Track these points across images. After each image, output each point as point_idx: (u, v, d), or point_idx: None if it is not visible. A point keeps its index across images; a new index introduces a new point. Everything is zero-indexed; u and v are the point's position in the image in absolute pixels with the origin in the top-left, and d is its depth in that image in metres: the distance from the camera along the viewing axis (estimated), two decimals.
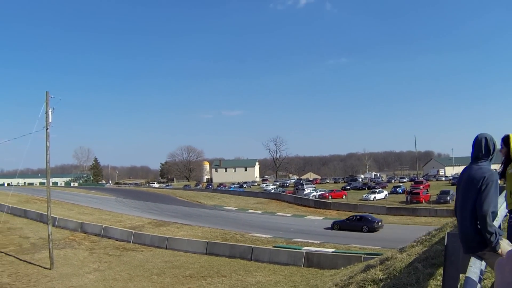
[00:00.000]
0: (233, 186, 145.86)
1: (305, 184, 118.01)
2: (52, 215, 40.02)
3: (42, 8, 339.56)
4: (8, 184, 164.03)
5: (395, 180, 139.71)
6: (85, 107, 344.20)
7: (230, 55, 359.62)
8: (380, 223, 56.63)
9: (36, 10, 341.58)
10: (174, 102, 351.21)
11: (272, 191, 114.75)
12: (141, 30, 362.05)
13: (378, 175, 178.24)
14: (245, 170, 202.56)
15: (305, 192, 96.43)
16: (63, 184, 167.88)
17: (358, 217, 58.47)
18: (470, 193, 5.52)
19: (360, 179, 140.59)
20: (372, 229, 55.13)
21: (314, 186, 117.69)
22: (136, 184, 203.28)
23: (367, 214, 62.20)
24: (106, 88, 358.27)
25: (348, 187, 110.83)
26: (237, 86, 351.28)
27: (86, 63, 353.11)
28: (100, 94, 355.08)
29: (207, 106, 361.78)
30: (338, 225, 57.68)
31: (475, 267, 5.21)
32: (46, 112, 36.16)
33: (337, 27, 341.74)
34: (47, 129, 36.20)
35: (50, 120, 36.17)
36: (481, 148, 5.70)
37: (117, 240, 46.74)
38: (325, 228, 58.27)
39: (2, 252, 41.33)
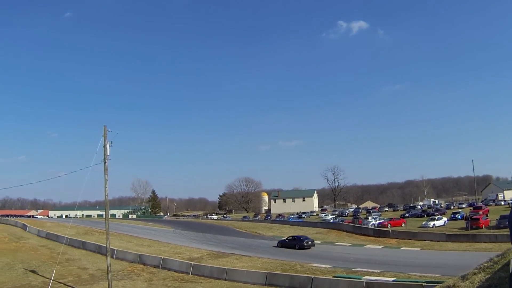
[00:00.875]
0: (292, 216, 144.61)
1: (373, 213, 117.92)
2: (110, 246, 39.82)
3: (108, 48, 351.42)
4: (67, 216, 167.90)
5: (454, 206, 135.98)
6: (143, 140, 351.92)
7: (285, 87, 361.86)
8: (310, 243, 67.86)
9: (103, 51, 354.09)
10: (232, 134, 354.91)
11: (331, 220, 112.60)
12: (199, 69, 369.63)
13: (437, 201, 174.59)
14: (304, 200, 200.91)
15: (371, 222, 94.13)
16: (121, 216, 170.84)
17: (293, 237, 70.82)
18: None
19: (419, 206, 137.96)
20: (302, 247, 66.32)
21: (380, 214, 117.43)
22: (194, 216, 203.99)
23: (300, 235, 73.01)
24: (164, 123, 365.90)
25: (407, 215, 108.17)
26: (294, 117, 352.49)
27: (146, 102, 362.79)
28: (158, 128, 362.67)
29: (265, 138, 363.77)
30: (281, 244, 70.28)
31: None
32: (104, 146, 36.30)
33: (390, 54, 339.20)
34: (105, 162, 36.31)
35: (108, 154, 36.33)
36: None
37: (176, 272, 46.11)
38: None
39: (61, 283, 41.33)
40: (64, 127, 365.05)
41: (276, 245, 70.69)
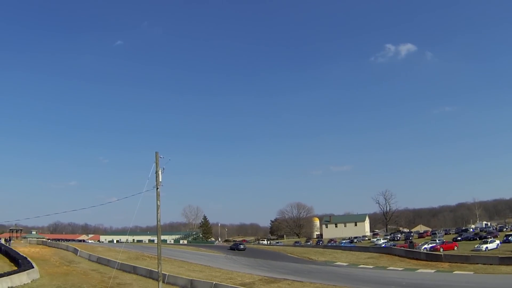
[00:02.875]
0: (344, 241, 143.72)
1: (438, 234, 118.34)
2: (162, 271, 40.35)
3: (157, 73, 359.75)
4: (117, 241, 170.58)
5: (507, 228, 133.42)
6: (194, 166, 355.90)
7: (336, 111, 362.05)
8: (242, 246, 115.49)
9: (152, 76, 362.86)
10: (282, 159, 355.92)
11: (383, 245, 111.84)
12: (246, 91, 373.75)
13: (489, 224, 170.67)
14: (355, 225, 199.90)
15: (423, 246, 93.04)
16: (172, 242, 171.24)
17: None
18: None
19: (471, 229, 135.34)
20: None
21: (443, 235, 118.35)
22: (245, 241, 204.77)
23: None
24: (215, 148, 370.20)
25: (459, 238, 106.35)
26: (345, 141, 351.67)
27: (196, 126, 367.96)
28: (209, 154, 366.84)
29: (316, 163, 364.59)
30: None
31: None
32: (156, 172, 36.60)
33: (439, 75, 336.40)
34: (157, 188, 36.56)
35: (160, 180, 36.56)
36: None
37: None
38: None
39: None
40: (115, 153, 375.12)
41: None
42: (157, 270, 39.96)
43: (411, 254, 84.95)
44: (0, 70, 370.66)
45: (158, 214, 37.29)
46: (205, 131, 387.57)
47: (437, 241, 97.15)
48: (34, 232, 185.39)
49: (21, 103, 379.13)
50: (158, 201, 36.91)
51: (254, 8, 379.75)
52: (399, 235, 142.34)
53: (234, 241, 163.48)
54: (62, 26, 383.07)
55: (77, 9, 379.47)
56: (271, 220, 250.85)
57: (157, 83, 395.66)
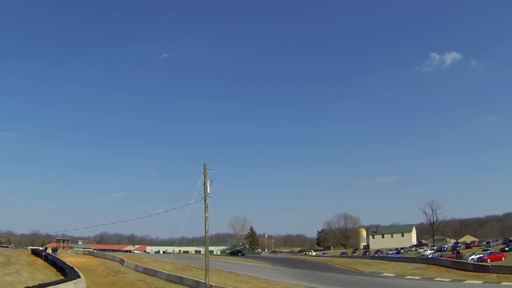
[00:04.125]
0: (390, 252, 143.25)
1: (492, 243, 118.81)
2: (209, 282, 40.58)
3: (202, 84, 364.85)
4: (164, 252, 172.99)
5: None
6: (241, 177, 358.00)
7: (381, 120, 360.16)
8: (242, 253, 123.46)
9: (197, 87, 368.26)
10: (329, 170, 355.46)
11: (430, 256, 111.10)
12: (292, 100, 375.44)
13: None
14: (402, 235, 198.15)
15: (470, 257, 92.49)
16: (219, 253, 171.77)
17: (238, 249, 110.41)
18: None
19: None
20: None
21: (496, 240, 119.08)
22: (292, 252, 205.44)
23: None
24: (262, 159, 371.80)
25: (506, 249, 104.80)
26: (391, 151, 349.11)
27: (242, 136, 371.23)
28: (256, 165, 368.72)
29: (362, 173, 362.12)
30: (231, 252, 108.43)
31: None
32: (205, 184, 36.82)
33: (484, 83, 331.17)
34: (205, 200, 36.81)
35: (208, 191, 36.77)
36: None
37: None
38: None
39: None
40: (161, 164, 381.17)
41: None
42: (203, 281, 40.52)
43: (458, 265, 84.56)
44: (54, 83, 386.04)
45: (206, 226, 37.67)
46: (251, 140, 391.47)
47: (490, 250, 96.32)
48: (80, 243, 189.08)
49: (71, 115, 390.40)
50: (206, 213, 37.36)
51: (299, 15, 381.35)
52: (446, 246, 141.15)
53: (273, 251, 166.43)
54: (109, 40, 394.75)
55: (123, 23, 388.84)
56: (318, 231, 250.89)
57: (202, 94, 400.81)
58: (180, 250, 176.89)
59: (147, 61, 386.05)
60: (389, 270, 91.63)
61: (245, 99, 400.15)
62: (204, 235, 38.57)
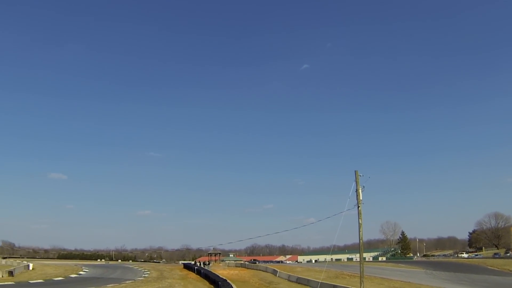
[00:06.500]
0: None
1: None
2: None
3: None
4: (315, 261, 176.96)
5: None
6: (391, 181, 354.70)
7: None
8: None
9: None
10: (474, 168, 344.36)
11: None
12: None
13: None
14: None
15: None
16: (370, 259, 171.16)
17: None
18: None
19: None
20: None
21: None
22: (444, 255, 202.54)
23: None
24: (407, 163, 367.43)
25: None
26: None
27: (389, 143, 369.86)
28: (402, 168, 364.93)
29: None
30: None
31: None
32: (357, 191, 37.30)
33: None
34: (358, 206, 37.51)
35: (361, 198, 37.32)
36: None
37: None
38: None
39: None
40: (310, 174, 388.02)
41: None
42: None
43: None
44: (194, 107, 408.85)
45: (361, 232, 38.56)
46: (395, 147, 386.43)
47: None
48: (231, 255, 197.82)
49: (222, 135, 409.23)
50: (360, 219, 37.99)
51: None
52: None
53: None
54: (248, 57, 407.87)
55: (263, 39, 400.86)
56: (469, 232, 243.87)
57: (349, 103, 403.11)
58: (331, 258, 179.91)
59: (288, 74, 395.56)
60: None
61: (392, 108, 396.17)
62: (357, 242, 39.36)
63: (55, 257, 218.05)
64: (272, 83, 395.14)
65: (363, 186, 37.38)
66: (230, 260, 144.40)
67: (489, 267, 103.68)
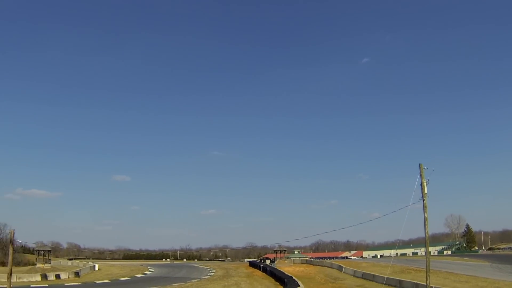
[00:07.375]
0: None
1: None
2: (430, 284, 40.23)
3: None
4: (381, 256, 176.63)
5: None
6: (457, 173, 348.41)
7: None
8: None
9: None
10: None
11: None
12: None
13: None
14: None
15: None
16: (435, 253, 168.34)
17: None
18: None
19: None
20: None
21: None
22: (510, 248, 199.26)
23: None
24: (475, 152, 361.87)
25: None
26: None
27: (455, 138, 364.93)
28: (467, 156, 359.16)
29: None
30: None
31: None
32: (422, 184, 36.50)
33: None
34: (423, 200, 36.58)
35: (425, 191, 36.47)
36: None
37: None
38: None
39: None
40: (375, 168, 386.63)
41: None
42: (422, 283, 41.62)
43: None
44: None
45: (426, 226, 37.34)
46: (460, 144, 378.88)
47: None
48: (296, 252, 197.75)
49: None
50: (425, 213, 36.89)
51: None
52: None
53: None
54: (305, 54, 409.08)
55: (319, 35, 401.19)
56: None
57: (408, 96, 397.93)
58: (396, 253, 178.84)
59: (348, 68, 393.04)
60: None
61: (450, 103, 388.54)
62: (422, 235, 38.81)
63: (121, 257, 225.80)
64: (333, 76, 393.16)
65: (428, 179, 36.72)
66: (295, 257, 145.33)
67: None
